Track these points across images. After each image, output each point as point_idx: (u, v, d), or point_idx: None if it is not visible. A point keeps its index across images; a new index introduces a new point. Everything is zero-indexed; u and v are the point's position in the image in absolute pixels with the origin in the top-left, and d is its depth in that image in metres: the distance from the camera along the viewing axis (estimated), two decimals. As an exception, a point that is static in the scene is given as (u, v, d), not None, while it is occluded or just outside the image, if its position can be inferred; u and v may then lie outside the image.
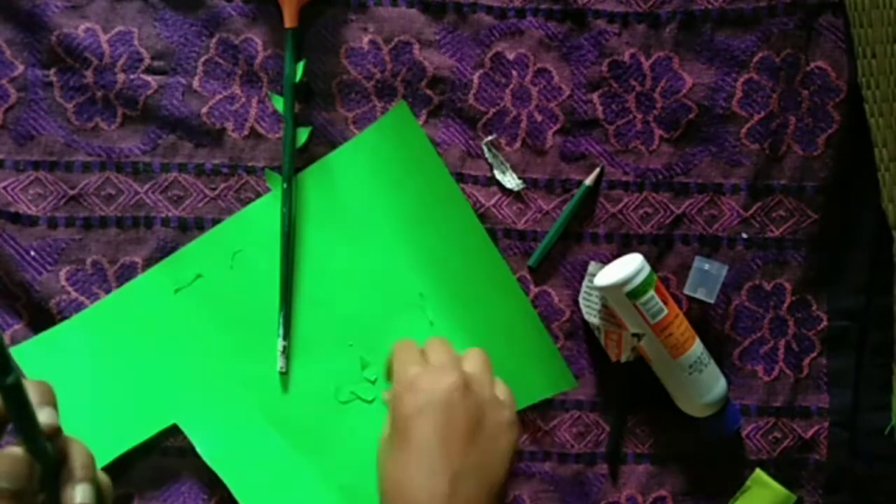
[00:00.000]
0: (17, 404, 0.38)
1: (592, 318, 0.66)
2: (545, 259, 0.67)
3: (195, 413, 0.65)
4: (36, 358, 0.64)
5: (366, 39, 0.67)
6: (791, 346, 0.68)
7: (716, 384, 0.64)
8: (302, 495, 0.65)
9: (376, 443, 0.66)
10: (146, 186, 0.66)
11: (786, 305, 0.68)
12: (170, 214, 0.66)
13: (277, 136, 0.67)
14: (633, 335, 0.63)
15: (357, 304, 0.66)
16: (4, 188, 0.65)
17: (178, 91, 0.66)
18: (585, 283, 0.66)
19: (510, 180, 0.67)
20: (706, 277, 0.65)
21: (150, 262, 0.66)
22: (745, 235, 0.67)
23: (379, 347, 0.66)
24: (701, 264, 0.66)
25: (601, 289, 0.63)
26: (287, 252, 0.66)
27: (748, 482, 0.67)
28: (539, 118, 0.67)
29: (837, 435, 0.67)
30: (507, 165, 0.67)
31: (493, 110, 0.67)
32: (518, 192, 0.67)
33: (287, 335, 0.65)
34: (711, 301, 0.65)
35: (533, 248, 0.67)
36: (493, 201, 0.67)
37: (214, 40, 0.67)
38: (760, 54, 0.67)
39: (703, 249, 0.67)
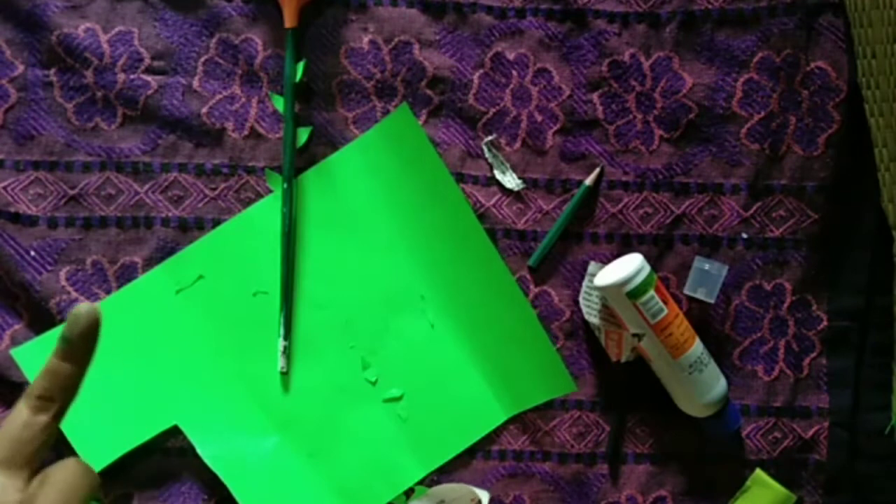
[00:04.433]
0: None
1: (592, 318, 0.66)
2: (545, 259, 0.67)
3: (196, 414, 0.65)
4: (37, 359, 0.64)
5: (366, 39, 0.67)
6: (791, 346, 0.68)
7: (716, 384, 0.64)
8: (301, 496, 0.65)
9: (376, 444, 0.66)
10: (146, 186, 0.66)
11: (786, 305, 0.68)
12: (170, 214, 0.66)
13: (277, 136, 0.67)
14: (633, 335, 0.63)
15: (358, 306, 0.66)
16: (4, 188, 0.65)
17: (178, 91, 0.66)
18: (585, 283, 0.66)
19: (510, 180, 0.67)
20: (706, 277, 0.65)
21: (150, 262, 0.66)
22: (745, 235, 0.67)
23: (380, 349, 0.66)
24: (701, 264, 0.66)
25: (601, 289, 0.63)
26: (287, 252, 0.66)
27: (748, 482, 0.67)
28: (539, 118, 0.67)
29: (837, 435, 0.67)
30: (507, 165, 0.67)
31: (493, 110, 0.67)
32: (518, 192, 0.67)
33: (288, 335, 0.65)
34: (711, 301, 0.65)
35: (533, 248, 0.67)
36: (493, 201, 0.67)
37: (214, 40, 0.67)
38: (760, 54, 0.67)
39: (703, 249, 0.67)
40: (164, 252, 0.66)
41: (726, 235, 0.67)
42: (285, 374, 0.66)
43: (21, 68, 0.66)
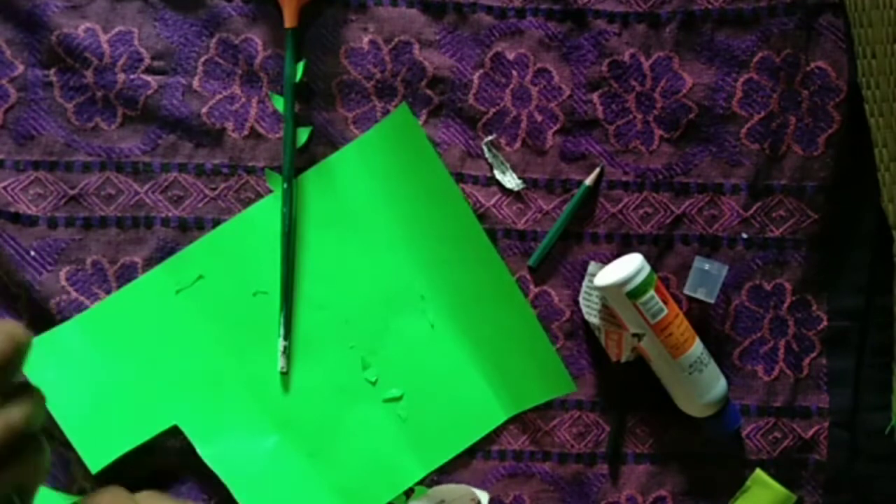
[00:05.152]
0: None
1: (592, 318, 0.66)
2: (545, 259, 0.67)
3: (196, 414, 0.65)
4: (37, 359, 0.64)
5: (366, 39, 0.67)
6: (791, 346, 0.68)
7: (716, 384, 0.64)
8: (301, 496, 0.65)
9: (376, 444, 0.66)
10: (146, 186, 0.66)
11: (786, 305, 0.68)
12: (170, 214, 0.66)
13: (277, 136, 0.67)
14: (633, 335, 0.63)
15: (358, 306, 0.66)
16: (4, 188, 0.65)
17: (178, 91, 0.66)
18: (585, 283, 0.66)
19: (510, 180, 0.67)
20: (706, 277, 0.65)
21: (150, 262, 0.66)
22: (745, 235, 0.67)
23: (380, 349, 0.66)
24: (701, 264, 0.66)
25: (601, 289, 0.63)
26: (287, 252, 0.66)
27: (748, 482, 0.67)
28: (539, 118, 0.67)
29: (837, 435, 0.67)
30: (507, 165, 0.67)
31: (493, 110, 0.67)
32: (518, 192, 0.67)
33: (288, 335, 0.65)
34: (711, 301, 0.65)
35: (533, 248, 0.67)
36: (493, 201, 0.67)
37: (214, 40, 0.67)
38: (760, 54, 0.67)
39: (703, 249, 0.67)
40: (164, 252, 0.66)
41: (726, 235, 0.67)
42: (285, 374, 0.66)
43: (21, 68, 0.66)
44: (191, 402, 0.65)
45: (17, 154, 0.65)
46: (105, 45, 0.66)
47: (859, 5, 0.67)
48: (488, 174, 0.67)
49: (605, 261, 0.66)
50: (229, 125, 0.66)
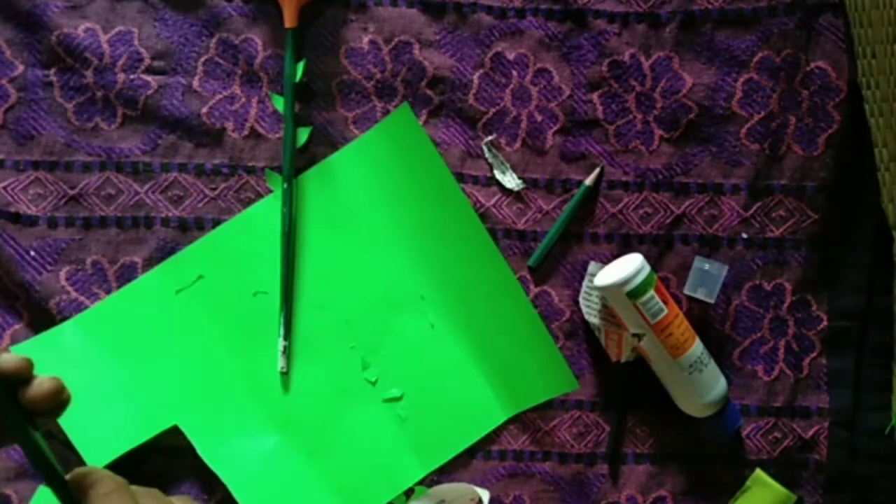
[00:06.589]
0: None
1: (592, 318, 0.66)
2: (545, 259, 0.67)
3: (196, 414, 0.65)
4: (36, 358, 0.64)
5: (366, 39, 0.67)
6: (791, 346, 0.68)
7: (716, 384, 0.64)
8: (301, 496, 0.65)
9: (376, 444, 0.66)
10: (146, 186, 0.66)
11: (786, 305, 0.68)
12: (170, 214, 0.66)
13: (277, 136, 0.67)
14: (633, 335, 0.63)
15: (358, 306, 0.66)
16: (4, 188, 0.65)
17: (178, 91, 0.66)
18: (585, 283, 0.66)
19: (510, 180, 0.67)
20: (706, 277, 0.65)
21: (150, 262, 0.66)
22: (745, 235, 0.67)
23: (380, 349, 0.66)
24: (701, 264, 0.66)
25: (601, 289, 0.63)
26: (287, 252, 0.66)
27: (748, 482, 0.67)
28: (539, 118, 0.67)
29: (837, 435, 0.67)
30: (507, 165, 0.67)
31: (493, 110, 0.67)
32: (518, 192, 0.67)
33: (288, 335, 0.65)
34: (711, 301, 0.65)
35: (533, 248, 0.67)
36: (493, 201, 0.67)
37: (214, 40, 0.67)
38: (760, 54, 0.67)
39: (703, 249, 0.67)
40: (165, 252, 0.66)
41: (726, 235, 0.67)
42: (285, 374, 0.66)
43: (21, 68, 0.66)
44: (191, 402, 0.65)
45: (17, 154, 0.65)
46: (105, 45, 0.66)
47: (859, 5, 0.67)
48: (488, 174, 0.67)
49: (605, 261, 0.66)
50: (229, 125, 0.66)
